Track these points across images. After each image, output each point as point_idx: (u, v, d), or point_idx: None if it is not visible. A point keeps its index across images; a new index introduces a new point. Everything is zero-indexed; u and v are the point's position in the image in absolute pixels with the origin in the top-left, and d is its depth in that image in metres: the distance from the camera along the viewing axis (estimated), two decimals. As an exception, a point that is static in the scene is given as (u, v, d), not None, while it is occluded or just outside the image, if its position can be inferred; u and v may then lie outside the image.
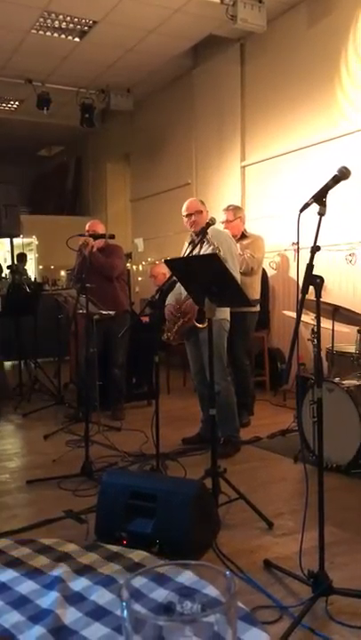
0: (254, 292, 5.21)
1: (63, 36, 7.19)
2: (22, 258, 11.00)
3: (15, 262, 7.28)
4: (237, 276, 4.10)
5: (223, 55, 7.62)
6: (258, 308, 5.30)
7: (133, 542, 2.61)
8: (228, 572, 0.59)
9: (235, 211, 5.23)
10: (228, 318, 4.32)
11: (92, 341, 4.45)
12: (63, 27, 6.96)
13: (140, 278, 9.69)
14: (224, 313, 4.23)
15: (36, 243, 11.75)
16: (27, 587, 0.91)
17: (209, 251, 3.99)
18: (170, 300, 4.46)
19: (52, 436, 4.81)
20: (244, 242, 5.19)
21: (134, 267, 9.81)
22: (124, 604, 0.56)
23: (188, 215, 4.33)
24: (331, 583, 2.22)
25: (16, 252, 10.46)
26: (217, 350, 4.16)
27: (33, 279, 10.48)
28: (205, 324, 4.32)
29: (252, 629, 0.76)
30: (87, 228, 5.18)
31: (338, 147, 5.95)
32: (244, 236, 5.26)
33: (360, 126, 5.71)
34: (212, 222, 4.00)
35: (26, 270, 10.99)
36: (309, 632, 2.08)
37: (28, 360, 6.59)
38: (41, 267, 11.51)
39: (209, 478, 3.09)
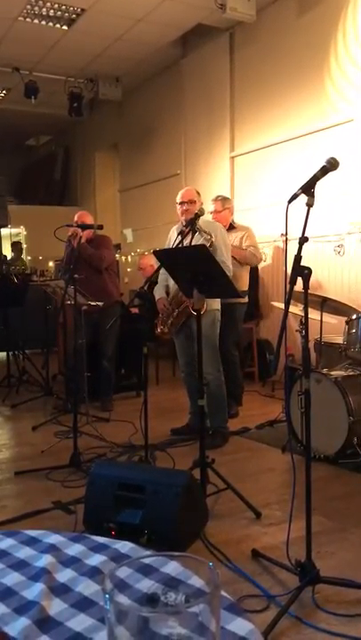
0: (243, 284, 5.22)
1: (51, 24, 7.11)
2: (17, 246, 10.92)
3: (2, 253, 7.23)
4: (229, 268, 4.10)
5: (212, 44, 7.58)
6: (246, 300, 5.31)
7: (122, 533, 2.62)
8: (211, 563, 0.59)
9: (223, 201, 5.23)
10: (219, 308, 4.33)
11: (80, 332, 4.43)
12: (51, 14, 6.89)
13: (129, 269, 9.66)
14: (216, 303, 4.23)
15: (24, 233, 11.67)
16: (12, 578, 0.91)
17: (200, 241, 3.99)
18: (159, 293, 4.46)
19: (40, 427, 4.81)
20: (234, 233, 5.19)
21: (123, 258, 9.78)
22: (107, 595, 0.56)
23: (182, 203, 4.32)
24: (318, 572, 2.24)
25: (4, 243, 10.39)
26: (210, 341, 4.17)
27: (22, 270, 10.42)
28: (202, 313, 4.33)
29: (237, 619, 0.76)
30: (75, 219, 5.15)
31: (327, 138, 5.95)
32: (232, 227, 5.26)
33: (349, 117, 5.71)
34: (200, 213, 3.99)
35: (23, 260, 10.86)
36: (296, 621, 2.10)
37: (17, 351, 6.56)
38: (29, 257, 11.45)
39: (197, 469, 3.10)
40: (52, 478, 3.62)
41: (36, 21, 7.02)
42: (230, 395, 4.96)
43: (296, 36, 6.34)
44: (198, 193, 4.45)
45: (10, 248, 11.28)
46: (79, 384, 4.64)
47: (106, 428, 4.65)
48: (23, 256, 11.08)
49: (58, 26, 7.18)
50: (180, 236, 4.13)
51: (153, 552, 0.69)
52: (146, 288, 3.98)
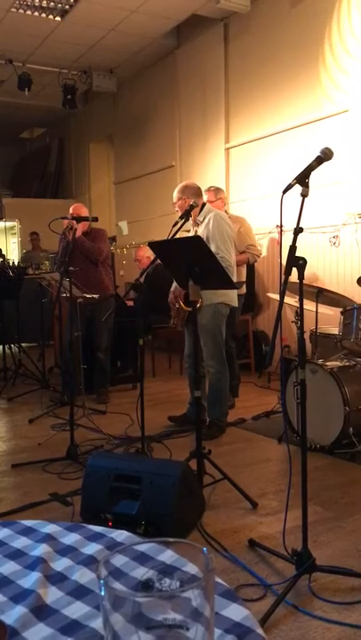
0: (238, 275, 5.22)
1: (44, 15, 7.06)
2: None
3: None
4: (229, 258, 4.09)
5: (207, 35, 7.55)
6: (243, 291, 5.32)
7: (119, 524, 2.63)
8: (205, 549, 0.59)
9: (216, 191, 5.23)
10: (231, 303, 4.30)
11: (75, 325, 4.43)
12: (44, 5, 6.84)
13: (124, 262, 9.65)
14: (216, 296, 4.18)
15: (19, 226, 11.64)
16: (8, 567, 0.91)
17: (200, 231, 4.01)
18: (174, 284, 4.47)
19: (37, 419, 4.81)
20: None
21: (118, 250, 9.77)
22: (102, 581, 0.56)
23: (174, 205, 4.37)
24: (314, 561, 2.25)
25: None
26: (210, 334, 4.17)
27: (17, 263, 10.38)
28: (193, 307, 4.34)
29: (233, 605, 0.77)
30: (71, 211, 5.14)
31: (322, 128, 5.94)
32: None
33: (344, 108, 5.69)
34: (194, 204, 4.00)
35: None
36: (293, 609, 2.12)
37: (12, 344, 6.55)
38: (24, 250, 11.42)
39: (194, 460, 3.11)
40: (49, 470, 3.63)
41: (28, 12, 6.97)
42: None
43: (290, 27, 6.31)
44: (188, 186, 4.42)
45: (4, 241, 11.23)
46: (75, 376, 4.64)
47: (102, 420, 4.66)
48: (13, 250, 11.02)
49: (51, 17, 7.13)
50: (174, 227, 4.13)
51: (148, 539, 0.69)
52: (142, 280, 3.98)
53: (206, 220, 4.18)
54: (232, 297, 4.31)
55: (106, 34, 7.64)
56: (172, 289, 4.41)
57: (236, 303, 4.42)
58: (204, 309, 4.19)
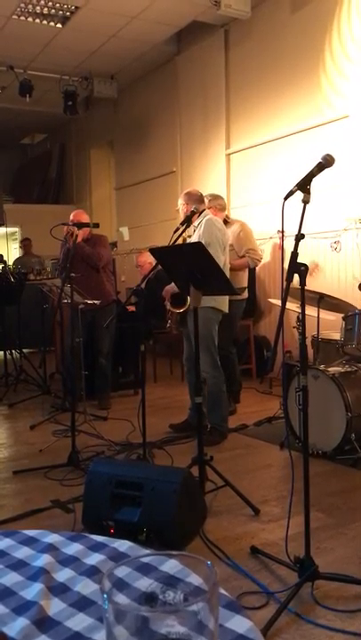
0: (238, 281, 5.22)
1: (45, 21, 7.09)
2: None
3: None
4: (220, 264, 4.10)
5: (207, 41, 7.57)
6: (245, 296, 5.31)
7: (120, 531, 2.62)
8: (209, 562, 0.59)
9: (211, 198, 5.23)
10: (220, 308, 4.29)
11: (77, 331, 4.43)
12: (45, 12, 6.87)
13: (125, 267, 9.65)
14: (209, 301, 4.18)
15: (20, 232, 11.65)
16: (10, 578, 0.91)
17: (194, 237, 4.02)
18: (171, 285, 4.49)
19: (38, 426, 4.80)
20: (229, 229, 5.21)
21: (119, 256, 9.77)
22: (105, 595, 0.56)
23: (178, 211, 4.41)
24: (317, 568, 2.24)
25: (0, 242, 10.33)
26: (204, 340, 4.16)
27: (17, 269, 10.37)
28: (182, 309, 4.35)
29: (236, 617, 0.76)
30: (71, 217, 5.15)
31: (322, 134, 5.94)
32: (226, 222, 5.28)
33: (344, 113, 5.71)
34: (195, 210, 4.03)
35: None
36: (296, 617, 2.11)
37: (14, 350, 6.55)
38: (17, 257, 11.42)
39: (196, 466, 3.10)
40: (51, 477, 3.62)
41: (30, 19, 7.00)
42: (228, 392, 4.98)
43: (291, 33, 6.33)
44: (190, 192, 4.46)
45: (5, 247, 11.24)
46: (76, 382, 4.63)
47: (104, 427, 4.65)
48: (15, 255, 11.01)
49: (52, 24, 7.16)
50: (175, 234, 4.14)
51: (151, 551, 0.68)
52: (143, 285, 3.98)
53: (200, 226, 4.23)
54: (221, 302, 4.30)
55: (107, 40, 7.66)
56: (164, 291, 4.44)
57: (226, 309, 4.40)
58: (195, 313, 4.20)
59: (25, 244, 10.23)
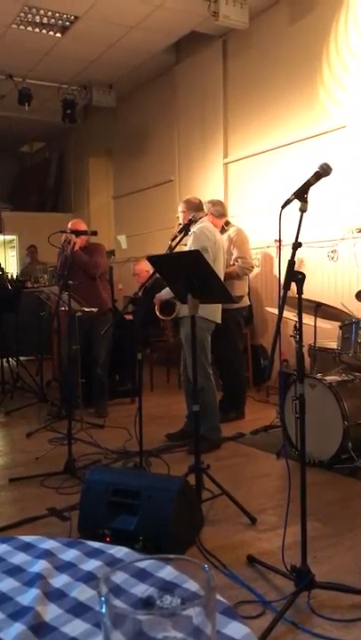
0: (239, 288, 5.21)
1: (44, 31, 7.13)
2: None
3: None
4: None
5: (206, 51, 7.62)
6: (243, 304, 5.29)
7: (117, 539, 2.61)
8: (206, 566, 0.59)
9: (210, 205, 5.24)
10: (209, 317, 4.28)
11: (74, 338, 4.43)
12: (44, 22, 6.91)
13: (123, 275, 9.66)
14: (200, 310, 4.15)
15: (18, 240, 11.67)
16: (7, 584, 0.90)
17: (188, 244, 4.04)
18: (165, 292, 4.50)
19: (34, 433, 4.79)
20: (225, 234, 5.23)
21: (117, 264, 9.79)
22: (103, 599, 0.56)
23: (177, 218, 4.44)
24: (313, 577, 2.23)
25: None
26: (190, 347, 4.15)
27: (15, 276, 10.38)
28: (171, 317, 4.35)
29: (233, 623, 0.76)
30: (69, 226, 5.15)
31: (320, 144, 5.98)
32: (224, 229, 5.29)
33: (342, 123, 5.74)
34: (193, 219, 4.05)
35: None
36: (292, 626, 2.10)
37: (10, 358, 6.54)
38: (23, 264, 11.43)
39: (192, 474, 3.09)
40: (47, 485, 3.61)
41: (29, 29, 7.03)
42: (232, 399, 5.07)
43: (289, 43, 6.38)
44: (190, 200, 4.49)
45: (3, 254, 11.25)
46: (73, 390, 4.63)
47: (100, 435, 4.64)
48: (12, 263, 10.99)
49: (51, 33, 7.20)
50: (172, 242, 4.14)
51: (148, 556, 0.68)
52: (140, 294, 3.98)
53: (192, 235, 4.24)
54: (212, 311, 4.27)
55: (106, 50, 7.71)
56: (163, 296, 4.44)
57: (218, 319, 4.38)
58: (184, 321, 4.22)
59: (30, 250, 10.22)
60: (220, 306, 4.38)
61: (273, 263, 6.58)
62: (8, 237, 11.60)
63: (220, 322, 4.41)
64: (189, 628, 0.56)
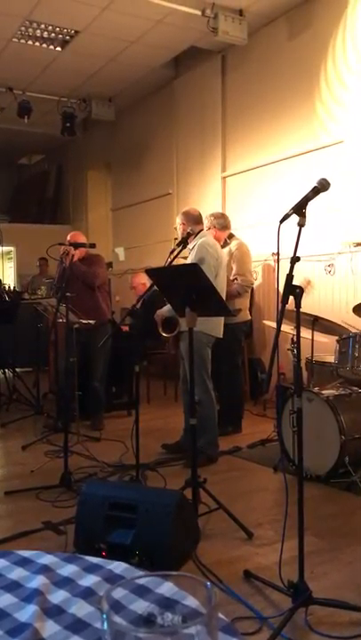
0: (239, 302, 5.19)
1: (45, 45, 7.19)
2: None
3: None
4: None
5: (205, 66, 7.68)
6: (244, 319, 5.27)
7: (113, 553, 2.59)
8: (208, 583, 0.59)
9: (212, 219, 5.25)
10: (209, 332, 4.28)
11: (71, 351, 4.42)
12: (45, 36, 6.97)
13: (120, 287, 9.67)
14: (198, 325, 4.15)
15: (16, 252, 11.67)
16: (4, 600, 0.89)
17: (189, 258, 4.05)
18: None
19: (30, 446, 4.76)
20: (227, 247, 5.23)
21: (114, 276, 9.79)
22: (104, 615, 0.56)
23: (175, 229, 4.44)
24: (310, 593, 2.22)
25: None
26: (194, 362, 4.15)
27: (12, 288, 10.37)
28: (172, 333, 4.35)
29: (233, 640, 0.75)
30: (68, 239, 5.16)
31: (317, 159, 6.01)
32: (226, 242, 5.30)
33: (339, 138, 5.78)
34: (190, 232, 4.06)
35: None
36: (289, 643, 2.08)
37: (7, 369, 6.52)
38: (31, 275, 11.39)
39: (189, 488, 3.08)
40: (43, 498, 3.58)
41: (30, 42, 7.09)
42: (229, 414, 5.07)
43: (287, 59, 6.44)
44: (189, 212, 4.49)
45: (0, 266, 11.23)
46: (70, 403, 4.61)
47: (97, 448, 4.62)
48: (9, 274, 10.97)
49: (52, 47, 7.26)
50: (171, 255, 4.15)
51: (148, 572, 0.68)
52: (138, 306, 3.99)
53: (194, 248, 4.24)
54: (213, 326, 4.25)
55: (105, 64, 7.77)
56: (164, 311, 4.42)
57: (219, 334, 4.38)
58: (184, 335, 4.21)
59: (41, 263, 10.24)
60: (221, 320, 4.37)
61: (274, 276, 6.58)
62: (6, 249, 11.61)
63: (221, 336, 4.40)
64: (190, 647, 0.55)
